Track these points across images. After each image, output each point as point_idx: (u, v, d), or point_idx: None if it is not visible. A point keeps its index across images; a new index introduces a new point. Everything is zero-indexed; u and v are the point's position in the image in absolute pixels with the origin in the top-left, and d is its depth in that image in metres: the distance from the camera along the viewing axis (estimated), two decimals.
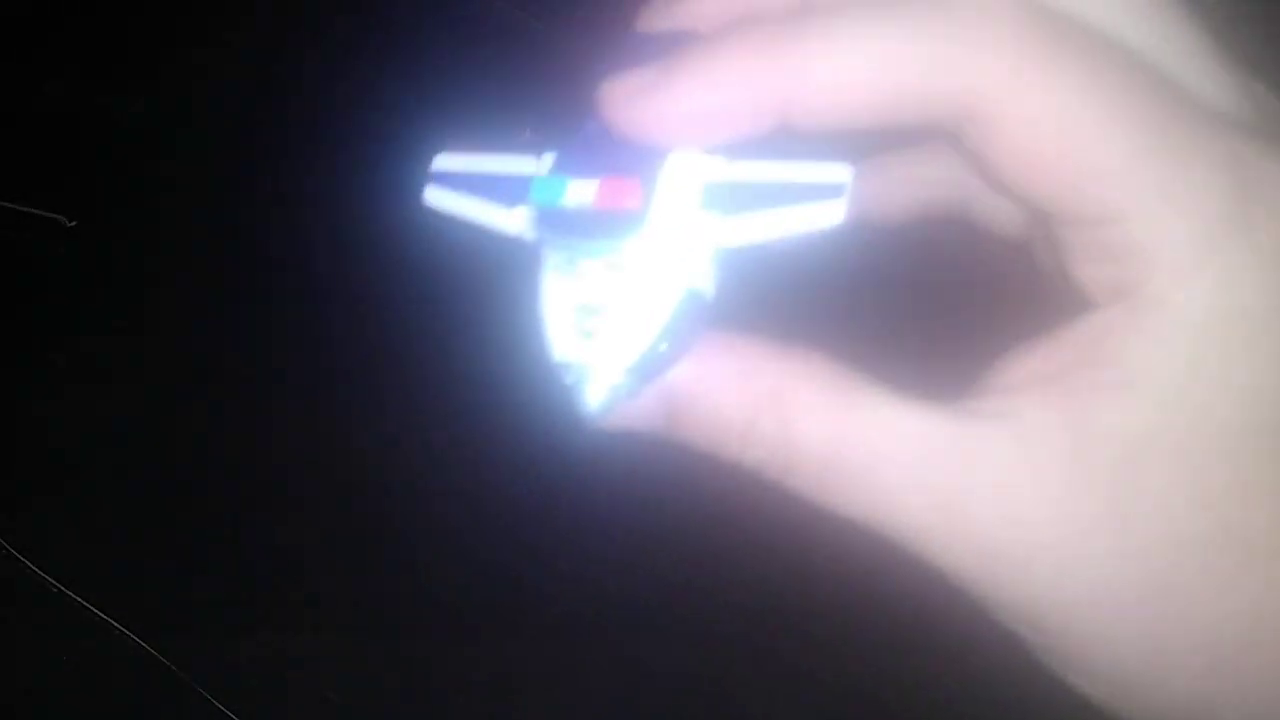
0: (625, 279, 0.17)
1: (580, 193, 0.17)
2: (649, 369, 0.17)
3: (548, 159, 0.18)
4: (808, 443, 0.18)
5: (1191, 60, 0.18)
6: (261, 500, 0.54)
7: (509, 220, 0.18)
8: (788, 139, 0.18)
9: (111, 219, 0.64)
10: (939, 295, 0.47)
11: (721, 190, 0.18)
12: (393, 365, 0.60)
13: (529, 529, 0.55)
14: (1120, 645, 0.18)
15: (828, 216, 0.17)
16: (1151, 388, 0.17)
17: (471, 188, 0.19)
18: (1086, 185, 0.17)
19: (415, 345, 0.60)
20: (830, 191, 0.17)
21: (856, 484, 0.18)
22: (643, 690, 0.51)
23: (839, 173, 0.17)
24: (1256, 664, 0.18)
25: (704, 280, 0.18)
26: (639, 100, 0.18)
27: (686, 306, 0.17)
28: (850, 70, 0.17)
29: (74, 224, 0.62)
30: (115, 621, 0.49)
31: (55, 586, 0.50)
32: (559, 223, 0.17)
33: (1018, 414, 0.18)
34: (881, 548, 0.18)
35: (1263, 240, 0.17)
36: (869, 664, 0.51)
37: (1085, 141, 0.17)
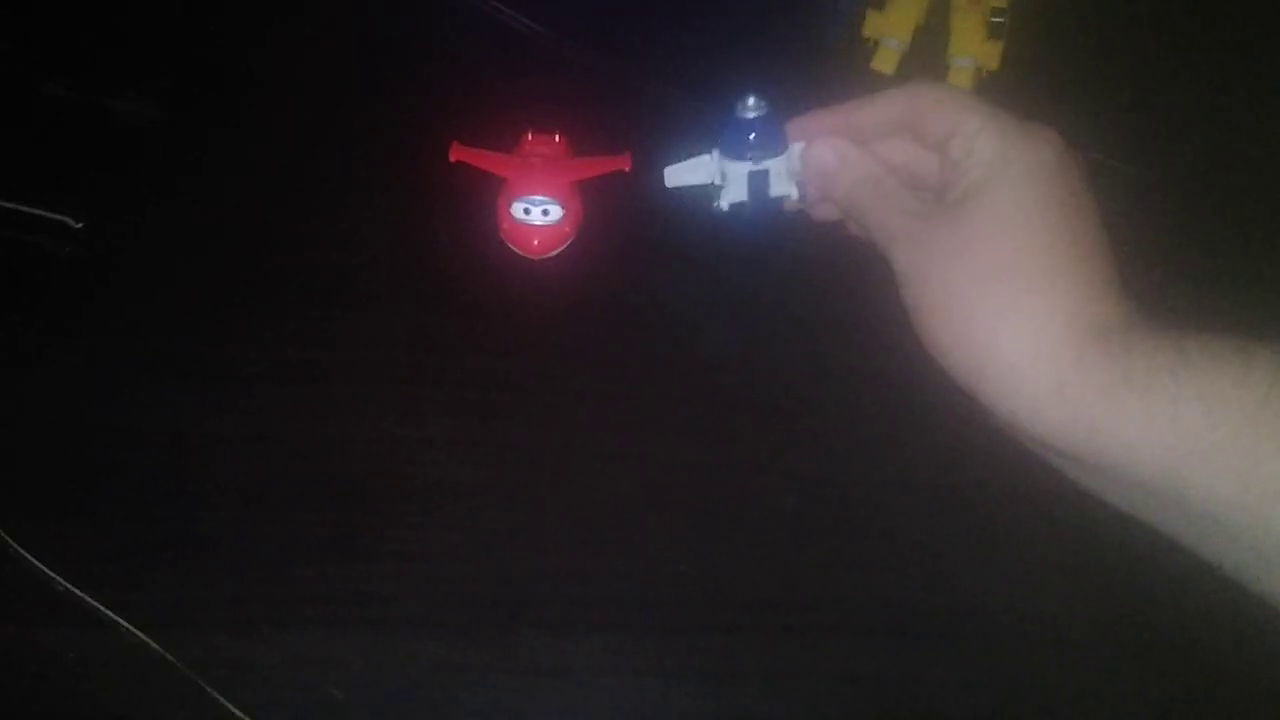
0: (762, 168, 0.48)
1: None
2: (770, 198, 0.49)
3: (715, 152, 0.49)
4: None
5: None
6: (267, 496, 0.55)
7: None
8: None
9: (119, 221, 0.64)
10: None
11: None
12: (389, 358, 0.60)
13: (533, 526, 0.55)
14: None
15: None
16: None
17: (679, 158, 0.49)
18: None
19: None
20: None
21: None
22: (646, 689, 0.51)
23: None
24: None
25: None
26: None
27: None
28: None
29: (81, 225, 0.63)
30: (122, 619, 0.49)
31: (61, 584, 0.50)
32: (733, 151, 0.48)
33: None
34: None
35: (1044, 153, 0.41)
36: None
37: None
